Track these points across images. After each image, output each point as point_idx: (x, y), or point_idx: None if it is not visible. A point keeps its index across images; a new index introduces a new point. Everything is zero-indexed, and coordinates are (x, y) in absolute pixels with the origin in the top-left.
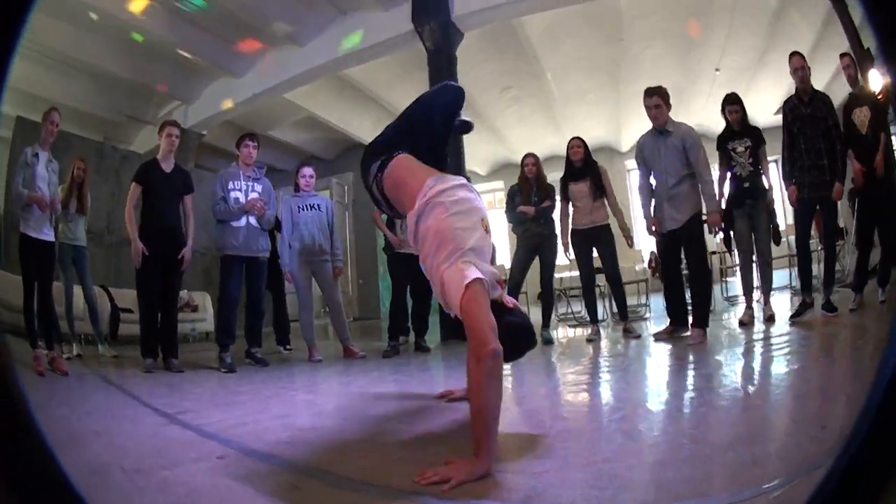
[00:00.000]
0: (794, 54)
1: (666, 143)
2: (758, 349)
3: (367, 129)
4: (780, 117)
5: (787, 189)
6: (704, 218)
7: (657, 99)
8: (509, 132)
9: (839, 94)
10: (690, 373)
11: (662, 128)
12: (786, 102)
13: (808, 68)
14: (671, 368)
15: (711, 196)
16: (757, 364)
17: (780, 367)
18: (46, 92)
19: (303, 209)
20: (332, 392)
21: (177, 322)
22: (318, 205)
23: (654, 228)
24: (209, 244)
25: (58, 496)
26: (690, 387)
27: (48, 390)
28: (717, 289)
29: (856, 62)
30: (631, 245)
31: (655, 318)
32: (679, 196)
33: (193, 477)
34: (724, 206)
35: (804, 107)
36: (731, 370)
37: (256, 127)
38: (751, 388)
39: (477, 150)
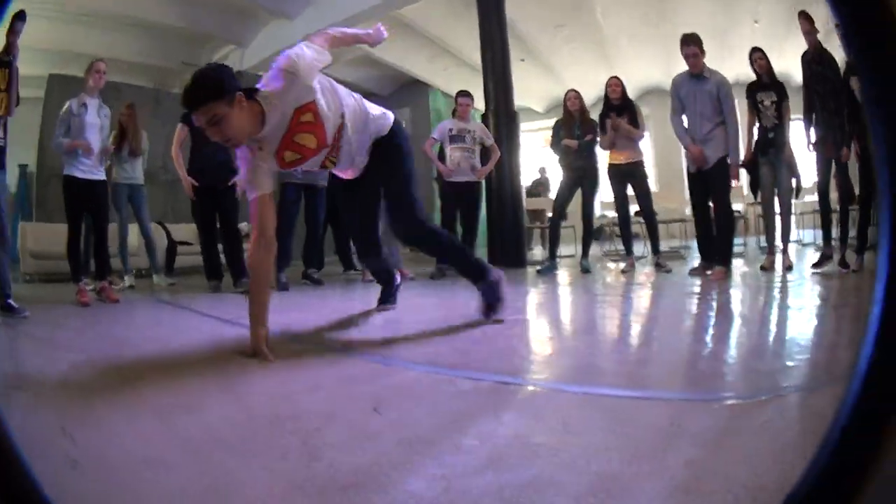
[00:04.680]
0: (802, 14)
1: (702, 89)
2: (771, 290)
3: (422, 66)
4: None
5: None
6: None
7: (694, 48)
8: (565, 70)
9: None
10: (701, 298)
11: (700, 74)
12: (804, 55)
13: (817, 31)
14: (686, 295)
15: (736, 147)
16: (762, 300)
17: (783, 304)
18: (94, 49)
19: None
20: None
21: (241, 245)
22: None
23: (697, 160)
24: None
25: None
26: (697, 307)
27: (93, 315)
28: (752, 240)
29: None
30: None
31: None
32: (713, 139)
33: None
34: (752, 152)
35: (816, 64)
36: (742, 302)
37: None
38: (752, 315)
39: (533, 88)
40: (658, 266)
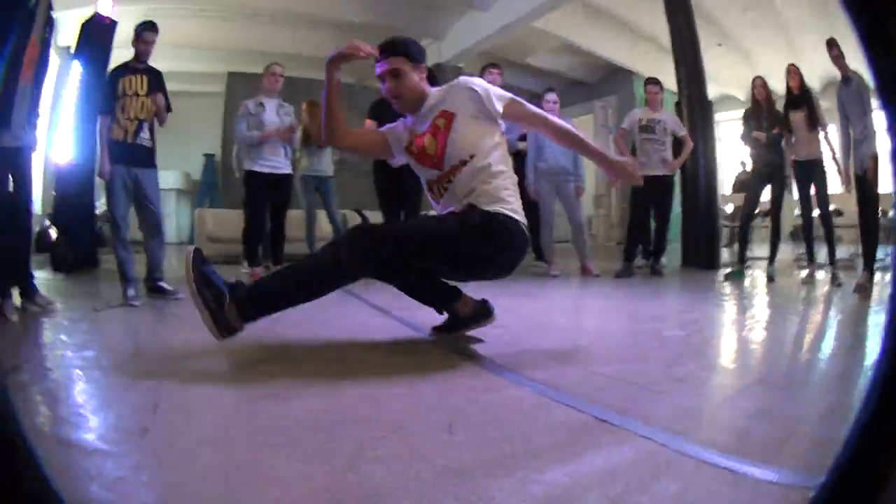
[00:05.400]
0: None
1: (850, 90)
2: None
3: (622, 53)
4: None
5: None
6: None
7: (836, 50)
8: (759, 56)
9: None
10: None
11: (846, 76)
12: None
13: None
14: (835, 324)
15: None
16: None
17: None
18: (279, 47)
19: None
20: (547, 301)
21: None
22: None
23: (848, 183)
24: None
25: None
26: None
27: None
28: None
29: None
30: (845, 184)
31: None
32: (867, 139)
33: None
34: None
35: None
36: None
37: (513, 55)
38: None
39: (733, 75)
40: (833, 277)
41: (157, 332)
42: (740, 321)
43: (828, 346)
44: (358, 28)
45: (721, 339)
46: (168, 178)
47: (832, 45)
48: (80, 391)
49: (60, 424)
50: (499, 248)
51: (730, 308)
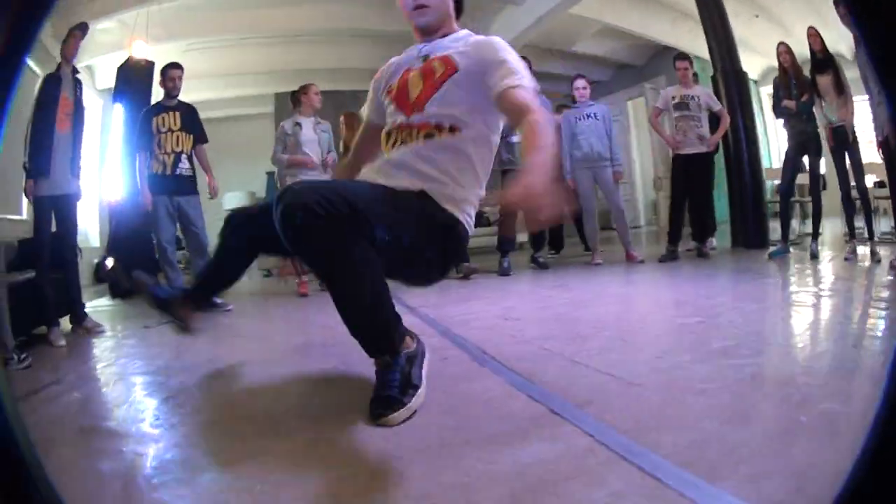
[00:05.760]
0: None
1: (862, 52)
2: None
3: (667, 31)
4: None
5: None
6: None
7: (843, 9)
8: (794, 24)
9: None
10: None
11: (857, 37)
12: None
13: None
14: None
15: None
16: None
17: None
18: (317, 63)
19: (580, 119)
20: (578, 291)
21: None
22: (594, 114)
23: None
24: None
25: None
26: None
27: (301, 305)
28: None
29: None
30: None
31: None
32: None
33: None
34: None
35: None
36: None
37: (558, 45)
38: None
39: (770, 46)
40: (872, 254)
41: (197, 341)
42: (763, 306)
43: (844, 336)
44: (397, 37)
45: (732, 328)
46: (233, 199)
47: (838, 3)
48: (114, 393)
49: (87, 417)
50: (446, 257)
51: (759, 291)
